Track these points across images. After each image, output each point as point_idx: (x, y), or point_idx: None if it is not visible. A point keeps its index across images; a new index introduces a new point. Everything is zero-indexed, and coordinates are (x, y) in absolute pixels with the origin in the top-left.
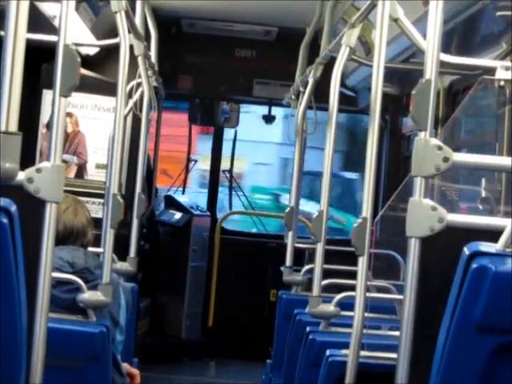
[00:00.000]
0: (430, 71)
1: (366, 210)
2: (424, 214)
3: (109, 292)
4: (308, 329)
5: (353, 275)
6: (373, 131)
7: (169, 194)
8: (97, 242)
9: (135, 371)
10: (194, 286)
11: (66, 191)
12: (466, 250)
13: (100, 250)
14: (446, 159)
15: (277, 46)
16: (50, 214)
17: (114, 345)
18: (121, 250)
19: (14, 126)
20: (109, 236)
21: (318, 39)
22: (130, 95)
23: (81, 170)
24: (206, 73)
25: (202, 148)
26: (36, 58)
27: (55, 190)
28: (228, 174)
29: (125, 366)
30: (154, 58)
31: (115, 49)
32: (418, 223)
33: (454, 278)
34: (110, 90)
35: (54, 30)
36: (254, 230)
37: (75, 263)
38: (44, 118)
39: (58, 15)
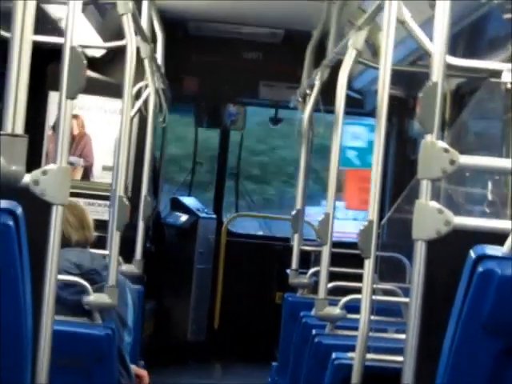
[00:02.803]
0: (437, 74)
1: (373, 212)
2: (430, 217)
3: (114, 294)
4: (314, 331)
5: (359, 278)
6: (379, 133)
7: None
8: (103, 244)
9: (143, 372)
10: (200, 288)
11: (71, 193)
12: (472, 254)
13: (106, 252)
14: (452, 162)
15: (283, 49)
16: (56, 216)
17: (123, 345)
18: (126, 252)
19: (20, 129)
20: (115, 238)
21: (325, 42)
22: (136, 97)
23: (87, 172)
24: (212, 75)
25: None
26: (42, 59)
27: (61, 193)
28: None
29: (132, 367)
30: (160, 60)
31: (121, 51)
32: (424, 226)
33: (460, 281)
34: (116, 92)
35: (60, 32)
36: (260, 233)
37: (82, 265)
38: (50, 120)
39: (64, 17)
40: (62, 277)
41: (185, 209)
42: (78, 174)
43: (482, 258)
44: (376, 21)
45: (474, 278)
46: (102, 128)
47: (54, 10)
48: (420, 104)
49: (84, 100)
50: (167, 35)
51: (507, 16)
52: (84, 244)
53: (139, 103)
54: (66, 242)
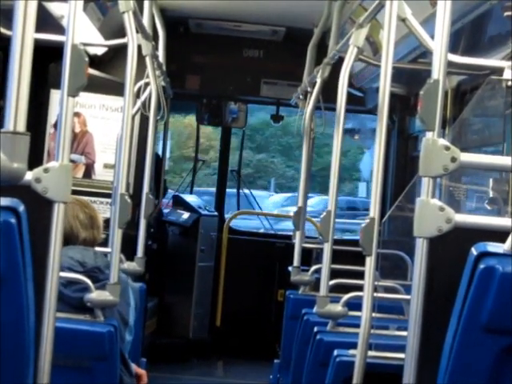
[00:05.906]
0: (438, 71)
1: (374, 210)
2: (432, 215)
3: (116, 292)
4: (316, 329)
5: (360, 275)
6: (380, 131)
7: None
8: (105, 241)
9: (142, 371)
10: (202, 285)
11: (73, 191)
12: (474, 251)
13: (108, 249)
14: (453, 159)
15: (284, 46)
16: (58, 213)
17: (124, 344)
18: (128, 250)
19: (22, 126)
20: (116, 236)
21: (326, 39)
22: (137, 95)
23: (89, 170)
24: (214, 73)
25: None
26: (44, 57)
27: (63, 190)
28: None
29: (132, 366)
30: (161, 58)
31: (123, 49)
32: (425, 223)
33: (461, 278)
34: (117, 89)
35: (61, 30)
36: (261, 230)
37: (85, 262)
38: (52, 117)
39: (65, 15)
40: (64, 274)
41: (187, 206)
42: (80, 172)
43: (484, 255)
44: (377, 18)
45: (475, 275)
46: (104, 126)
47: (55, 8)
48: (421, 102)
49: (85, 98)
50: (168, 33)
51: (508, 13)
52: (91, 243)
53: (141, 101)
54: (73, 239)
